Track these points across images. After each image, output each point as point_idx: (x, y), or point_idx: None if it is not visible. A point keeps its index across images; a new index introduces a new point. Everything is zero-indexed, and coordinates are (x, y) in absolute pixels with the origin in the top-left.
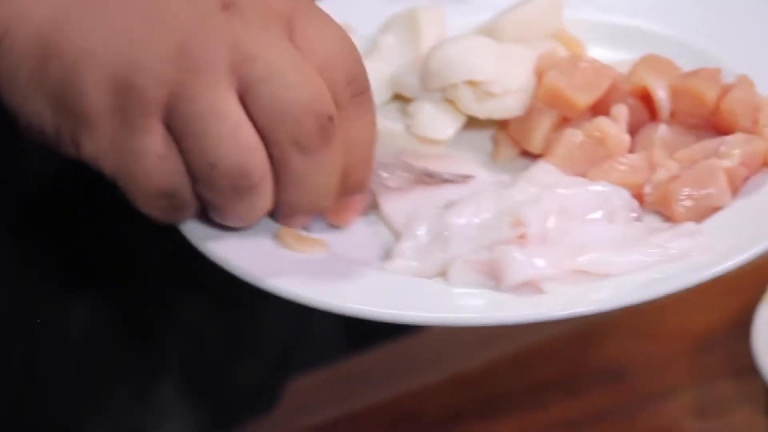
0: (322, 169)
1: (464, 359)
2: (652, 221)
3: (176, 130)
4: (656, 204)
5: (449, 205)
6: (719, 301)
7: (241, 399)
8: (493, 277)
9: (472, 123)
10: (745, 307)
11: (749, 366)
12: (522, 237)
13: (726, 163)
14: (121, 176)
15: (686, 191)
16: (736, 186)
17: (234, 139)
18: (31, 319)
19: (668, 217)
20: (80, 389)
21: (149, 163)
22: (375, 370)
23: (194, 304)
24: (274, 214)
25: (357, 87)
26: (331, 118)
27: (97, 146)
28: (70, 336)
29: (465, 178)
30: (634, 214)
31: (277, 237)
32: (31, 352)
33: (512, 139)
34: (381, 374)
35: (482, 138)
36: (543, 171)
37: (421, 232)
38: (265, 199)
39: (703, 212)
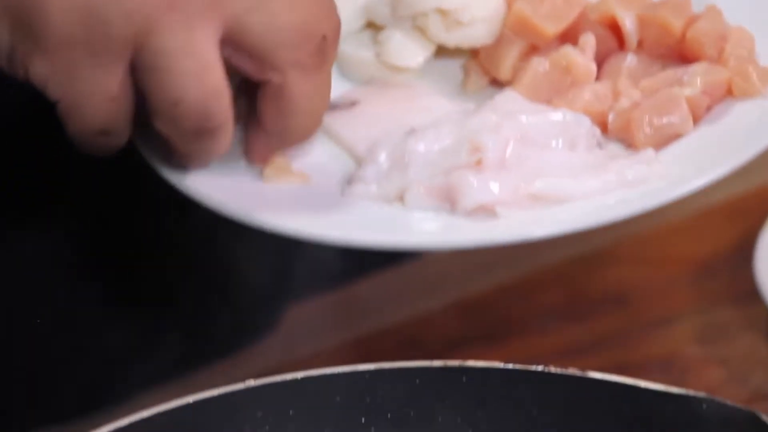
0: (320, 90)
1: (467, 285)
2: (615, 149)
3: (142, 64)
4: (619, 132)
5: (411, 132)
6: (722, 228)
7: (238, 326)
8: (449, 201)
9: (444, 52)
10: (748, 233)
11: (752, 292)
12: (479, 163)
13: (688, 91)
14: (65, 106)
15: (648, 119)
16: (698, 115)
17: (201, 78)
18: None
19: (630, 145)
20: (67, 324)
21: (98, 101)
22: (377, 297)
23: (184, 230)
24: (250, 146)
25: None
26: (325, 38)
27: (49, 72)
28: (52, 270)
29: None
30: (596, 142)
31: (264, 173)
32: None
33: (482, 68)
34: (383, 301)
35: (454, 67)
36: (507, 99)
37: (383, 158)
38: (223, 143)
39: (664, 140)
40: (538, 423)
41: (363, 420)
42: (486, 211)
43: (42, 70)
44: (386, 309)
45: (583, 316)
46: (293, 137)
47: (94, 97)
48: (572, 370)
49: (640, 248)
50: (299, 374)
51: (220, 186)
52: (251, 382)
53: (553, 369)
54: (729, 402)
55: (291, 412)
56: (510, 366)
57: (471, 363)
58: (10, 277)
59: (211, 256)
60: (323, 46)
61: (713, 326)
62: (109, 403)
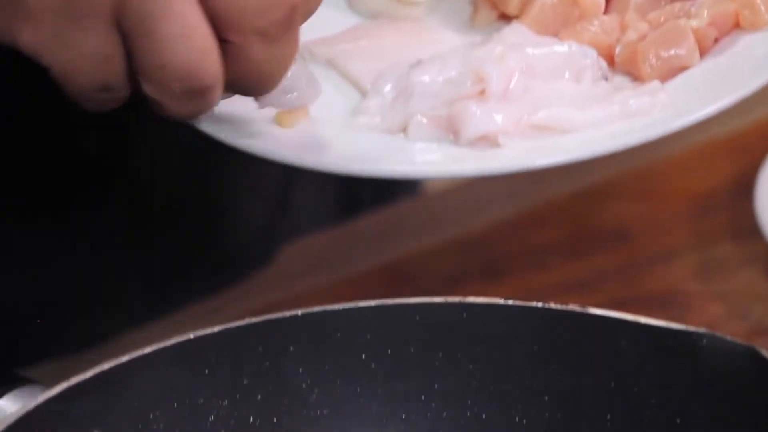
0: (282, 58)
1: (466, 222)
2: (622, 82)
3: (126, 29)
4: (625, 64)
5: (416, 64)
6: (723, 163)
7: (237, 263)
8: (451, 131)
9: None
10: (749, 168)
11: (752, 227)
12: (482, 93)
13: (695, 23)
14: (60, 71)
15: (654, 51)
16: (705, 47)
17: (185, 40)
18: None
19: (637, 78)
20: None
21: (93, 63)
22: (376, 233)
23: (179, 163)
24: None
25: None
26: (295, 8)
27: (37, 40)
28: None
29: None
30: (602, 75)
31: (276, 119)
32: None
33: (491, 2)
34: (382, 237)
35: (463, 2)
36: (514, 31)
37: (387, 89)
38: (214, 100)
39: (670, 72)
40: (538, 359)
41: (363, 356)
42: (488, 140)
43: (30, 39)
44: (386, 245)
45: (583, 252)
46: (248, 93)
47: (87, 60)
48: (572, 306)
49: (640, 184)
50: (299, 311)
51: (220, 114)
52: (251, 319)
53: (552, 305)
54: (729, 337)
55: (291, 348)
56: (510, 302)
57: (471, 299)
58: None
59: (208, 193)
60: (291, 16)
61: (713, 262)
62: (109, 341)
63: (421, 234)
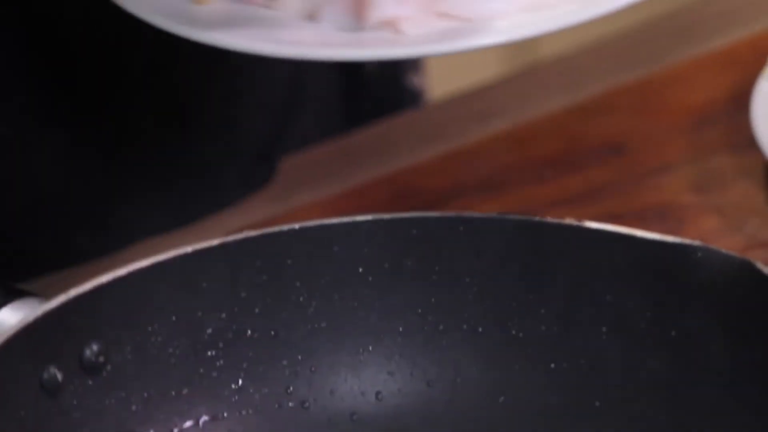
0: None
1: (462, 136)
2: None
3: None
4: None
5: None
6: (719, 76)
7: (234, 175)
8: (357, 15)
9: None
10: (745, 81)
11: (748, 140)
12: None
13: None
14: None
15: None
16: None
17: None
18: None
19: None
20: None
21: None
22: (372, 148)
23: (175, 78)
24: None
25: None
26: None
27: None
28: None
29: None
30: None
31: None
32: None
33: None
34: (379, 151)
35: None
36: None
37: None
38: None
39: None
40: (534, 272)
41: (360, 270)
42: (391, 26)
43: None
44: (382, 159)
45: (579, 166)
46: None
47: None
48: (568, 220)
49: (636, 97)
50: (296, 225)
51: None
52: (249, 233)
53: (549, 219)
54: (724, 250)
55: (289, 262)
56: (506, 216)
57: (467, 213)
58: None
59: (205, 108)
60: None
61: (709, 175)
62: (107, 255)
63: (417, 148)
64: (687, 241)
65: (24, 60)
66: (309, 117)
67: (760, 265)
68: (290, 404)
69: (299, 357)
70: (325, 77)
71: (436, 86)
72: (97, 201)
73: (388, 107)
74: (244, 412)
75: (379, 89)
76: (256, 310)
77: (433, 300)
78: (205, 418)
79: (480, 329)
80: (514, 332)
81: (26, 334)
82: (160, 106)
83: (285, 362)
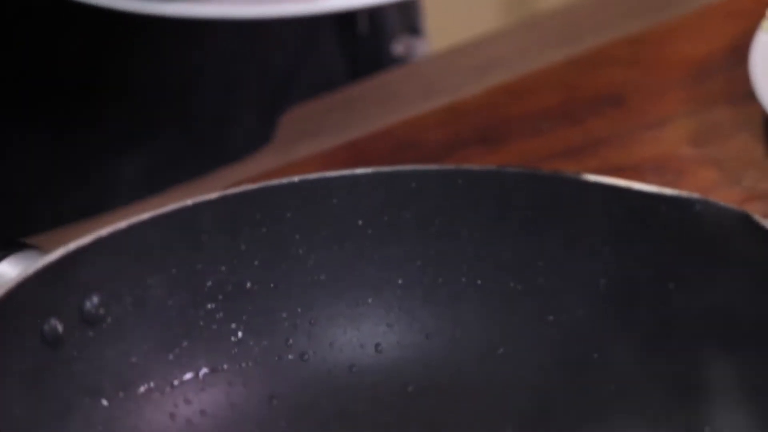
0: None
1: (460, 89)
2: None
3: None
4: None
5: None
6: (718, 28)
7: (236, 134)
8: None
9: None
10: (744, 33)
11: (747, 92)
12: None
13: None
14: None
15: None
16: None
17: None
18: None
19: None
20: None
21: None
22: (372, 99)
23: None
24: None
25: None
26: None
27: None
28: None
29: None
30: None
31: None
32: None
33: None
34: (378, 103)
35: None
36: None
37: None
38: None
39: None
40: (533, 225)
41: (360, 222)
42: None
43: None
44: (381, 112)
45: (578, 119)
46: None
47: None
48: (566, 173)
49: (634, 49)
50: (296, 178)
51: None
52: (249, 186)
53: (547, 171)
54: (722, 203)
55: (288, 214)
56: (505, 169)
57: (466, 166)
58: None
59: (205, 63)
60: None
61: (708, 127)
62: (107, 209)
63: (416, 101)
64: (685, 193)
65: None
66: (310, 76)
67: (758, 218)
68: (290, 356)
69: (299, 309)
70: (323, 38)
71: (435, 39)
72: (97, 159)
73: (383, 63)
74: (243, 365)
75: (368, 52)
76: (256, 263)
77: (432, 253)
78: (204, 370)
79: (479, 282)
80: (512, 285)
81: (26, 286)
82: (163, 65)
83: (284, 314)
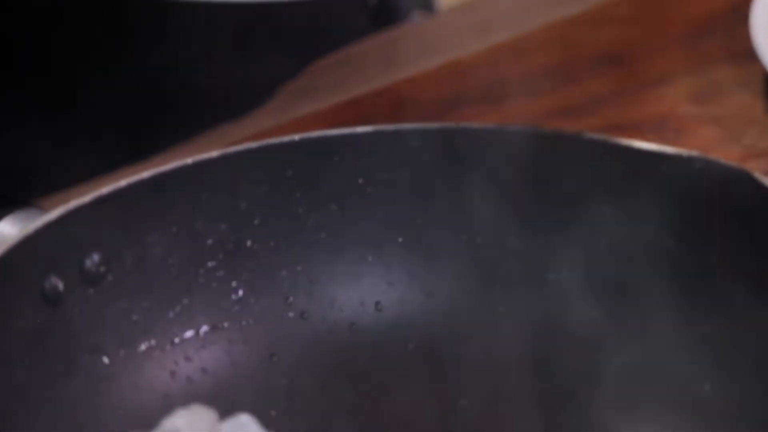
0: None
1: (460, 47)
2: None
3: None
4: None
5: None
6: None
7: (233, 91)
8: None
9: None
10: None
11: (747, 50)
12: None
13: None
14: None
15: None
16: None
17: None
18: None
19: None
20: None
21: None
22: (373, 57)
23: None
24: None
25: None
26: None
27: None
28: None
29: None
30: None
31: None
32: None
33: None
34: (379, 61)
35: None
36: None
37: None
38: None
39: None
40: (533, 183)
41: (360, 181)
42: None
43: None
44: (382, 70)
45: (578, 77)
46: None
47: None
48: (567, 131)
49: (635, 8)
50: (296, 136)
51: None
52: (250, 144)
53: (547, 129)
54: (722, 160)
55: (289, 172)
56: (505, 127)
57: (467, 124)
58: None
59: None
60: None
61: (708, 85)
62: (106, 171)
63: (416, 59)
64: (686, 151)
65: None
66: (303, 32)
67: (757, 175)
68: (290, 314)
69: (299, 268)
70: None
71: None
72: (99, 116)
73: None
74: (244, 322)
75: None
76: (256, 221)
77: (432, 211)
78: (205, 328)
79: (478, 240)
80: (512, 243)
81: (27, 244)
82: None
83: (284, 273)
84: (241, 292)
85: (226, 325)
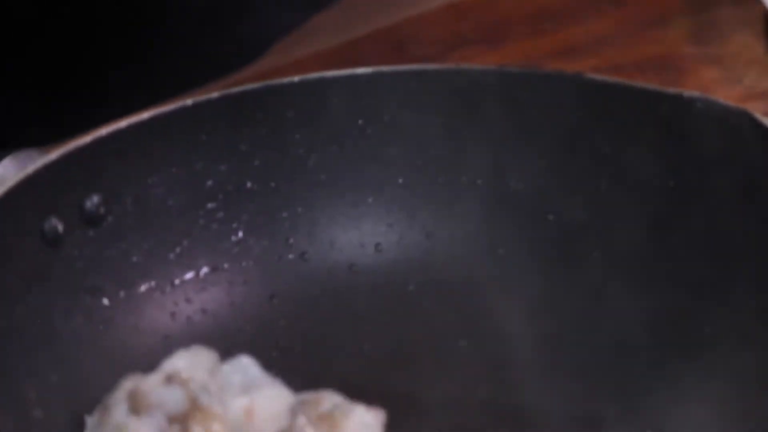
0: None
1: None
2: None
3: None
4: None
5: None
6: None
7: (234, 38)
8: None
9: None
10: None
11: None
12: None
13: None
14: None
15: None
16: None
17: None
18: None
19: None
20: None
21: None
22: (370, 0)
23: None
24: None
25: None
26: None
27: None
28: None
29: None
30: None
31: None
32: None
33: None
34: (378, 2)
35: None
36: None
37: None
38: None
39: None
40: (533, 124)
41: (360, 122)
42: None
43: None
44: (381, 11)
45: (579, 18)
46: None
47: None
48: (567, 71)
49: None
50: (296, 78)
51: None
52: (250, 85)
53: (548, 70)
54: (723, 101)
55: (288, 114)
56: (505, 68)
57: (466, 65)
58: None
59: None
60: None
61: (709, 25)
62: (108, 114)
63: (417, 0)
64: (686, 92)
65: None
66: None
67: (757, 115)
68: (290, 256)
69: (299, 209)
70: None
71: None
72: (91, 72)
73: None
74: (244, 264)
75: None
76: (256, 163)
77: (432, 152)
78: (205, 269)
79: (479, 181)
80: (512, 184)
81: (27, 185)
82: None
83: (285, 214)
84: (241, 234)
85: (226, 266)
